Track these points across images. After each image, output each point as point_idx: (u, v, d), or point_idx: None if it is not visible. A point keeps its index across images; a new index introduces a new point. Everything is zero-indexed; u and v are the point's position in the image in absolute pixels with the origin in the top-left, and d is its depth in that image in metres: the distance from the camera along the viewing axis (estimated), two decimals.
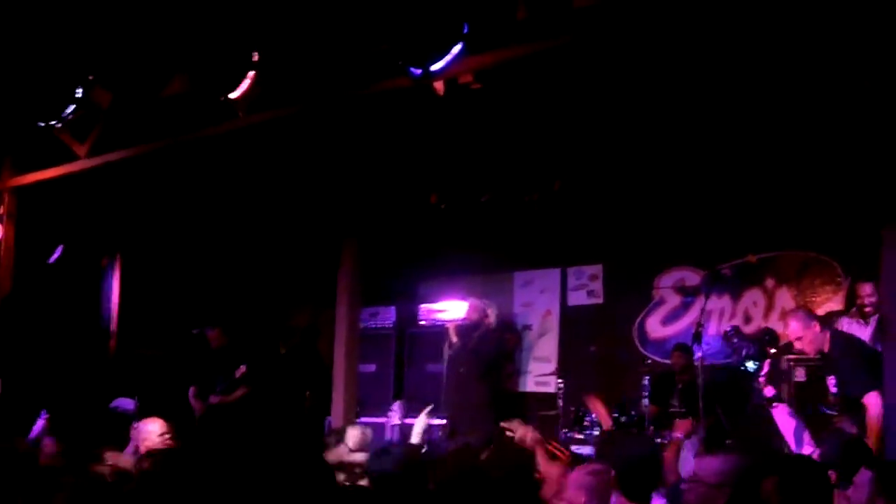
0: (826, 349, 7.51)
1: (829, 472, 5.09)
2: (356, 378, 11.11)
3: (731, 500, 4.56)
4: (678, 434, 8.26)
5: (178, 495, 3.18)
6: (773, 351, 8.69)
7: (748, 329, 10.88)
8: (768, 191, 9.68)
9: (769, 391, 7.25)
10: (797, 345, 7.67)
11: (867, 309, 8.84)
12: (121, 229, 11.38)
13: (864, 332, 8.73)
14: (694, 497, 4.69)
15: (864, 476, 4.88)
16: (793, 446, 7.91)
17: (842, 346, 7.60)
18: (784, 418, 6.97)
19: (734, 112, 7.97)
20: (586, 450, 9.88)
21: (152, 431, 7.80)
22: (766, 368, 7.56)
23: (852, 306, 9.48)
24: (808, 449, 7.27)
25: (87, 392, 10.67)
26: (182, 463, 3.25)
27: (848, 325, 8.95)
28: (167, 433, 7.61)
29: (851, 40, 6.39)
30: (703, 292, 10.46)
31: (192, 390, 10.75)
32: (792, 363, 9.38)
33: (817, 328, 7.54)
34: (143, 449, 7.33)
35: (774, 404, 7.12)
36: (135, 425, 7.99)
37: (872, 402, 7.19)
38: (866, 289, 8.90)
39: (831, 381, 7.45)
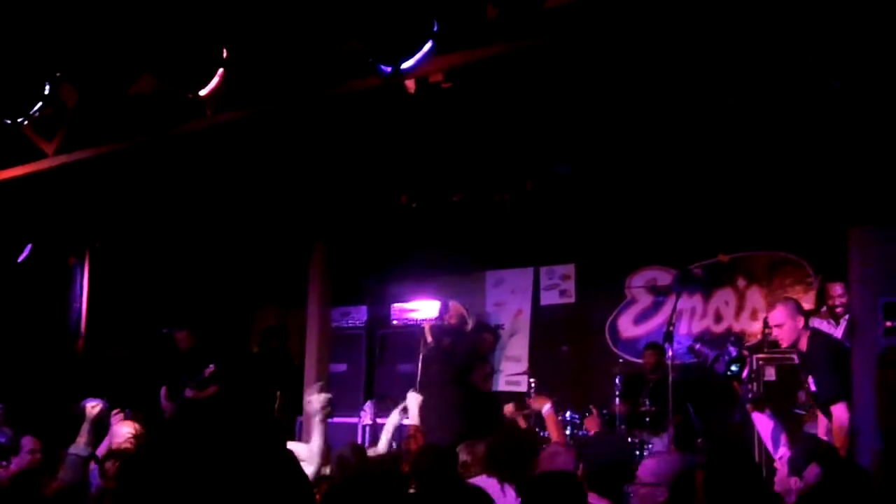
0: (804, 348, 7.52)
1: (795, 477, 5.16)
2: (327, 378, 11.09)
3: (670, 499, 4.61)
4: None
5: (144, 494, 3.16)
6: (745, 354, 8.73)
7: (718, 328, 10.94)
8: (739, 191, 9.70)
9: (754, 392, 7.29)
10: (775, 332, 7.64)
11: (838, 309, 8.88)
12: (89, 228, 11.28)
13: (834, 333, 8.76)
14: (636, 498, 4.74)
15: (812, 471, 4.92)
16: (770, 449, 7.94)
17: (821, 346, 7.61)
18: (762, 420, 7.00)
19: (706, 113, 7.97)
20: None
21: (124, 434, 7.80)
22: (747, 370, 7.59)
23: (822, 306, 9.52)
24: (783, 451, 7.31)
25: (54, 392, 10.59)
26: (149, 462, 3.22)
27: (818, 325, 8.97)
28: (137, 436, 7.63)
29: (819, 44, 6.40)
30: (674, 292, 10.49)
31: (163, 391, 10.67)
32: (762, 362, 9.43)
33: (801, 323, 7.55)
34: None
35: (754, 411, 7.14)
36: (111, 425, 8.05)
37: (839, 412, 7.22)
38: (837, 289, 8.94)
39: (810, 380, 7.46)
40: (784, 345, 7.74)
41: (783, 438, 7.01)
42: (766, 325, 8.34)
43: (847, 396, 7.24)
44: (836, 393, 7.27)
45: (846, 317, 8.63)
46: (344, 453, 6.64)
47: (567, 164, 9.87)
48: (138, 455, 4.34)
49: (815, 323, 9.03)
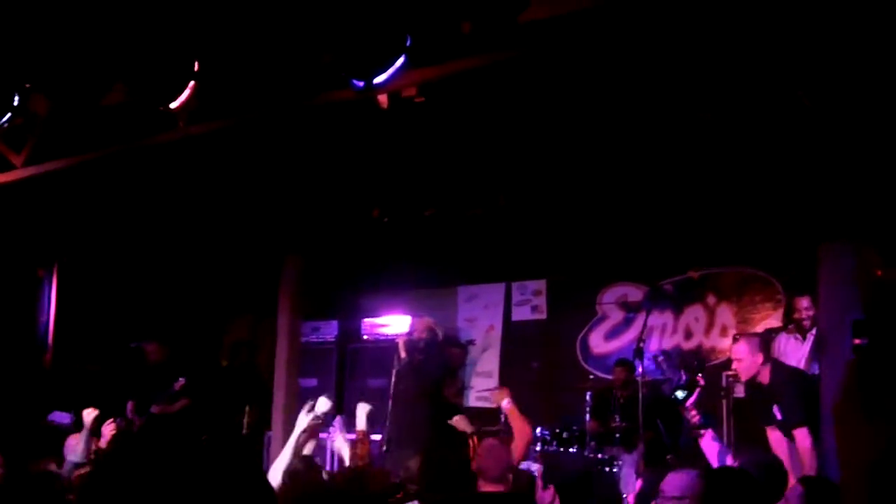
0: (766, 381, 7.61)
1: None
2: (297, 392, 11.03)
3: None
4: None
5: None
6: (701, 380, 8.75)
7: (689, 345, 10.97)
8: (710, 208, 9.74)
9: (695, 419, 7.33)
10: (735, 364, 7.78)
11: (805, 322, 8.90)
12: (58, 240, 11.21)
13: (802, 349, 8.80)
14: None
15: (795, 491, 4.96)
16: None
17: (783, 377, 7.71)
18: (709, 444, 7.06)
19: (678, 131, 8.01)
20: (525, 465, 9.87)
21: (76, 446, 7.79)
22: (694, 397, 7.63)
23: (790, 322, 9.55)
24: None
25: (21, 405, 10.50)
26: (107, 478, 3.18)
27: (786, 342, 9.01)
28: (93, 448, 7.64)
29: (791, 62, 6.44)
30: (645, 308, 10.53)
31: (129, 405, 10.60)
32: (731, 378, 9.46)
33: (760, 360, 7.66)
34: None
35: (701, 431, 7.20)
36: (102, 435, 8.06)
37: (801, 437, 7.30)
38: (803, 302, 8.98)
39: (776, 409, 7.54)
40: (743, 379, 7.91)
41: (729, 459, 7.05)
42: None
43: (809, 422, 7.32)
44: (799, 419, 7.37)
45: (813, 331, 8.67)
46: (296, 466, 6.59)
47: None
48: (97, 470, 4.31)
49: (783, 339, 9.07)
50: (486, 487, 5.84)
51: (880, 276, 7.74)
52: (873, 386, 6.89)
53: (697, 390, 8.28)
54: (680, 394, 7.73)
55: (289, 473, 6.32)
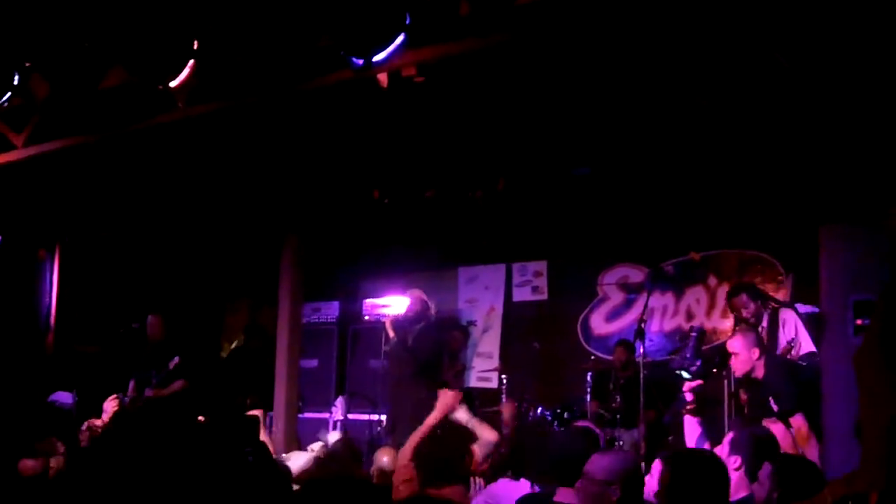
0: (761, 375, 7.58)
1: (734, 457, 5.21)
2: (298, 373, 11.07)
3: (622, 499, 4.60)
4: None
5: (97, 493, 3.12)
6: (714, 370, 8.77)
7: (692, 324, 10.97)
8: (711, 189, 9.73)
9: (689, 398, 7.32)
10: (731, 359, 7.71)
11: (752, 319, 8.92)
12: (59, 221, 11.20)
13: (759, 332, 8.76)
14: (587, 496, 4.71)
15: (765, 470, 4.96)
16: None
17: (778, 369, 7.69)
18: (693, 427, 7.05)
19: (678, 111, 8.00)
20: None
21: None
22: (696, 384, 7.63)
23: (796, 302, 9.55)
24: None
25: (23, 387, 10.51)
26: (101, 461, 3.19)
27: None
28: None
29: (789, 43, 6.42)
30: (646, 289, 10.52)
31: (131, 385, 10.61)
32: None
33: (756, 354, 7.61)
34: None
35: (686, 414, 7.20)
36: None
37: (797, 423, 7.31)
38: (742, 299, 9.01)
39: (771, 401, 7.53)
40: (738, 374, 7.76)
41: (706, 446, 7.07)
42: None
43: (803, 407, 7.32)
44: (794, 406, 7.36)
45: (764, 323, 8.70)
46: (336, 448, 6.54)
47: (585, 165, 9.90)
48: (91, 450, 4.31)
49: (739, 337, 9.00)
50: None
51: None
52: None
53: (701, 382, 8.31)
54: (686, 374, 7.73)
55: (330, 455, 6.31)
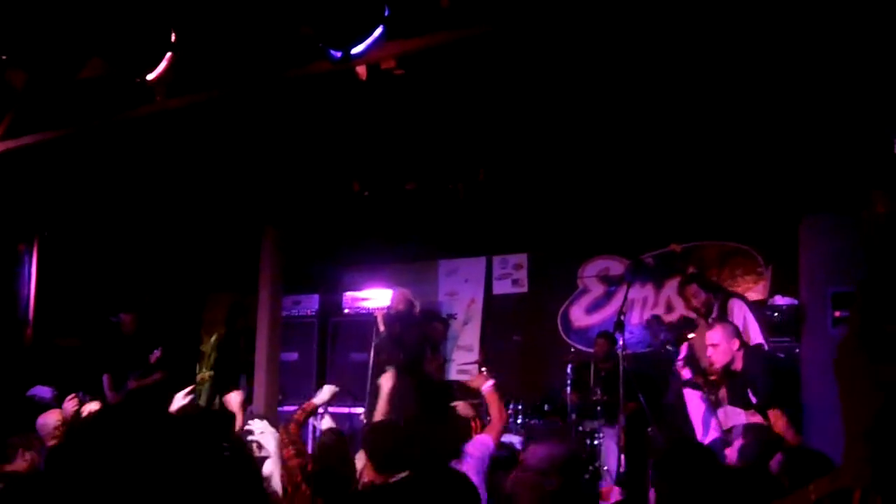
0: (739, 367, 7.56)
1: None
2: (278, 366, 11.04)
3: (561, 489, 4.57)
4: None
5: (79, 486, 3.09)
6: (690, 335, 8.77)
7: (670, 318, 10.99)
8: (691, 182, 9.73)
9: (686, 373, 7.32)
10: (710, 350, 7.66)
11: (702, 309, 8.95)
12: (38, 215, 11.14)
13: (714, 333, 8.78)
14: (521, 485, 4.68)
15: (776, 459, 4.97)
16: (699, 430, 7.99)
17: (757, 361, 7.67)
18: (695, 402, 7.05)
19: (657, 103, 7.99)
20: (507, 438, 9.90)
21: (47, 424, 7.73)
22: (683, 352, 7.62)
23: (775, 293, 9.59)
24: (713, 434, 7.37)
25: (2, 380, 10.46)
26: (79, 456, 3.15)
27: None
28: (61, 426, 7.59)
29: (768, 32, 6.43)
30: (626, 281, 10.53)
31: (106, 379, 10.57)
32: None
33: (736, 345, 7.58)
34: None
35: (688, 390, 7.20)
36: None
37: (774, 417, 7.29)
38: (691, 290, 9.05)
39: (749, 392, 7.51)
40: (717, 366, 7.65)
41: (713, 422, 7.07)
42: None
43: (780, 402, 7.32)
44: (772, 400, 7.35)
45: (714, 313, 8.73)
46: (325, 440, 6.50)
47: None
48: (66, 446, 4.25)
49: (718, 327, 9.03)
50: None
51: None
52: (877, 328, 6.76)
53: (685, 345, 8.32)
54: (671, 347, 7.76)
55: (319, 446, 6.29)
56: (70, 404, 8.33)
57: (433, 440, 6.24)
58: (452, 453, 6.08)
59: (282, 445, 6.20)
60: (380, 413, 7.68)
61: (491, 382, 7.29)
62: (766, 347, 8.23)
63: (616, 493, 8.67)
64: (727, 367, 7.58)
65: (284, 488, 5.73)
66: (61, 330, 11.61)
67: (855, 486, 3.50)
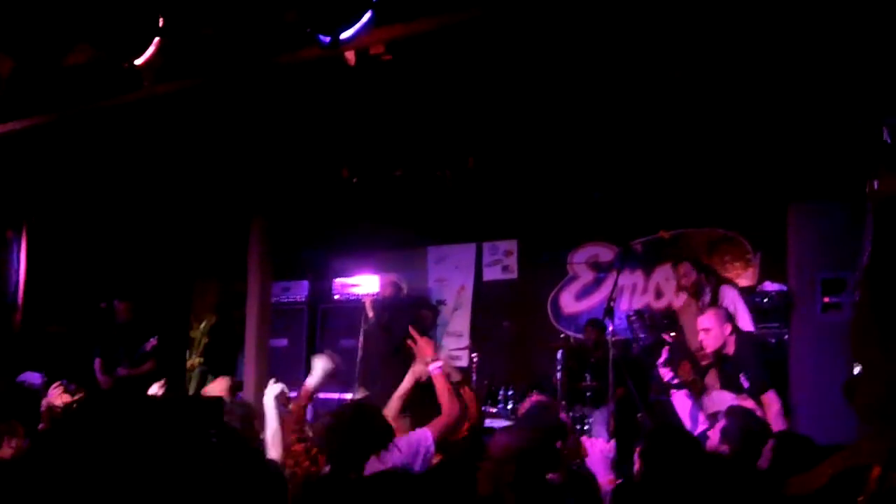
0: (731, 352, 7.57)
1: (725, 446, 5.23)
2: (267, 353, 11.03)
3: (517, 478, 4.60)
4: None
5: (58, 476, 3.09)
6: (672, 334, 8.80)
7: (658, 304, 11.00)
8: (680, 169, 9.74)
9: (666, 375, 7.32)
10: (701, 335, 7.66)
11: (691, 289, 8.99)
12: (26, 201, 11.12)
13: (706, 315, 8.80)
14: (483, 472, 4.69)
15: (768, 445, 4.99)
16: (688, 426, 8.01)
17: (748, 345, 7.69)
18: (681, 401, 7.05)
19: (647, 89, 7.98)
20: (499, 423, 9.91)
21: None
22: (663, 356, 7.63)
23: (764, 280, 9.62)
24: (702, 427, 7.37)
25: None
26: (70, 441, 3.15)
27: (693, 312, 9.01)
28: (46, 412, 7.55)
29: (756, 20, 6.42)
30: (615, 268, 10.56)
31: (97, 363, 10.57)
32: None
33: (728, 330, 7.59)
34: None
35: (672, 391, 7.20)
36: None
37: (769, 400, 7.31)
38: (683, 269, 9.11)
39: (742, 377, 7.51)
40: (709, 350, 7.66)
41: (701, 417, 7.07)
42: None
43: (774, 384, 7.33)
44: (765, 384, 7.36)
45: (707, 296, 8.77)
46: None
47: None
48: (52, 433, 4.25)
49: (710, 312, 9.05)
50: None
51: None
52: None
53: (666, 349, 8.32)
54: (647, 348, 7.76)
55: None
56: (55, 392, 8.27)
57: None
58: None
59: (287, 432, 6.17)
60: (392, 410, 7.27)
61: (438, 364, 6.28)
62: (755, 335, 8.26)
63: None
64: (719, 352, 7.59)
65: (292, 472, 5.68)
66: (51, 316, 11.60)
67: (873, 462, 3.50)
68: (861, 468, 3.53)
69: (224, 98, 8.05)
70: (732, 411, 5.87)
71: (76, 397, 7.81)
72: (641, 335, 9.23)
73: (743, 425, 5.57)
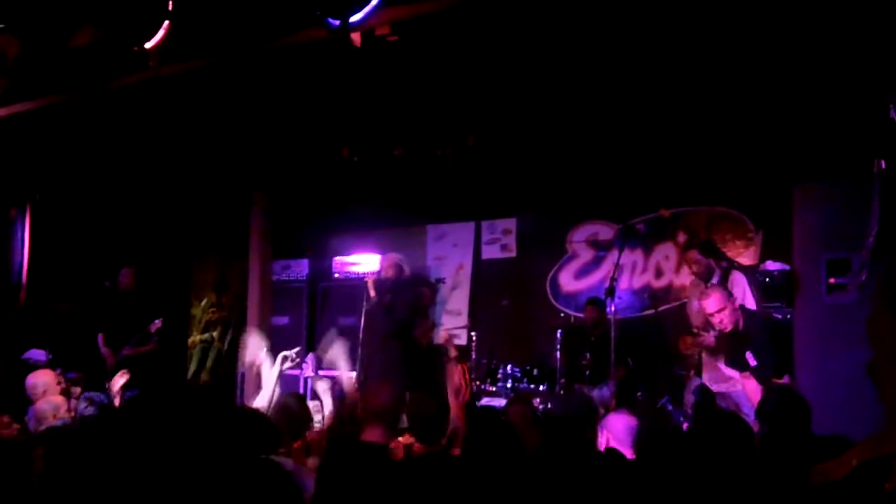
0: (742, 328, 7.57)
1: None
2: (268, 331, 11.06)
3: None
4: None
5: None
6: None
7: (659, 283, 11.02)
8: (680, 146, 9.73)
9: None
10: (716, 318, 7.64)
11: (703, 274, 9.05)
12: (30, 180, 11.13)
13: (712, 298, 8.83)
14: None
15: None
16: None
17: (757, 321, 7.70)
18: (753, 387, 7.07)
19: (647, 67, 7.99)
20: (498, 402, 9.96)
21: (37, 385, 7.67)
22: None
23: (766, 259, 9.64)
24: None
25: None
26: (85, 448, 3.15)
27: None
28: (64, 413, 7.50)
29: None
30: (615, 246, 10.57)
31: (100, 338, 10.58)
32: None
33: (736, 304, 7.62)
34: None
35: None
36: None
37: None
38: (693, 255, 9.19)
39: (749, 355, 7.51)
40: (727, 328, 7.63)
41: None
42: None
43: (789, 368, 7.34)
44: (776, 366, 7.36)
45: (715, 279, 8.86)
46: (288, 402, 6.55)
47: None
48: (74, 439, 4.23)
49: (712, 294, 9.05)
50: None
51: None
52: None
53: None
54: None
55: (280, 408, 6.33)
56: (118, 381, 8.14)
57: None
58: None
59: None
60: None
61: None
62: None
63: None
64: (735, 328, 7.59)
65: None
66: (54, 293, 11.62)
67: None
68: (888, 456, 3.56)
69: (226, 78, 8.06)
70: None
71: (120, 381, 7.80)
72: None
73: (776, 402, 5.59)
